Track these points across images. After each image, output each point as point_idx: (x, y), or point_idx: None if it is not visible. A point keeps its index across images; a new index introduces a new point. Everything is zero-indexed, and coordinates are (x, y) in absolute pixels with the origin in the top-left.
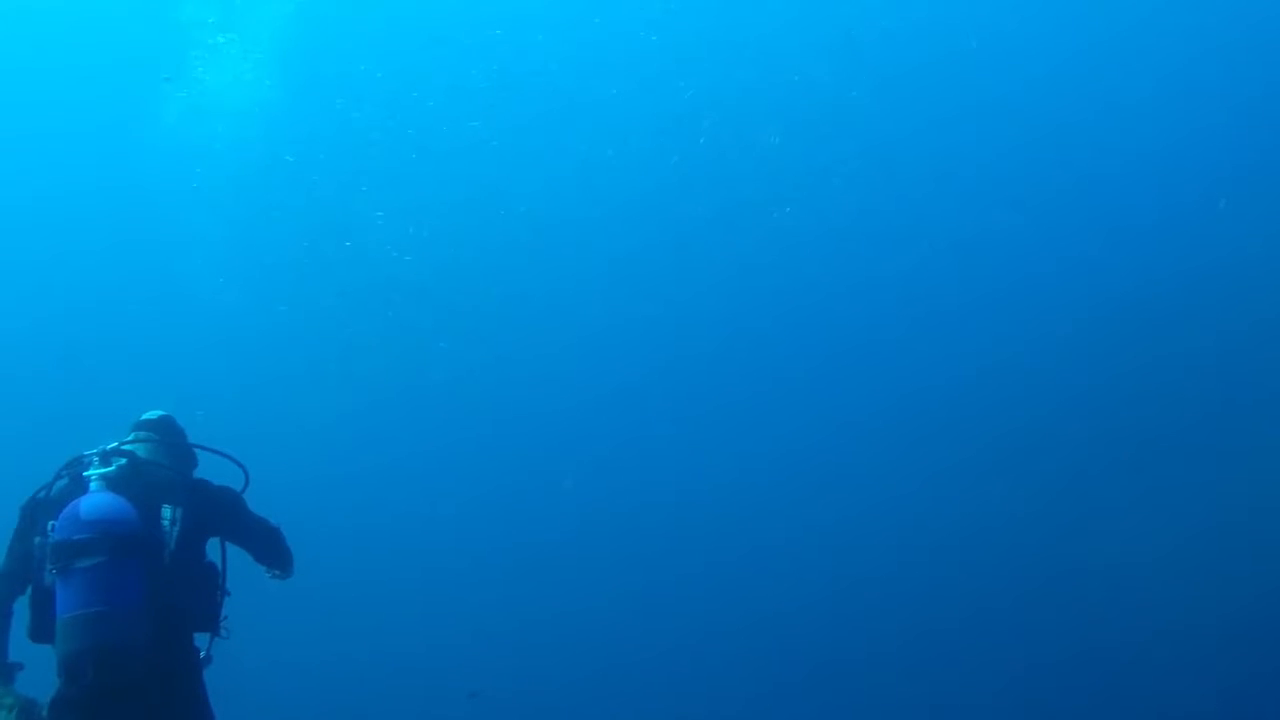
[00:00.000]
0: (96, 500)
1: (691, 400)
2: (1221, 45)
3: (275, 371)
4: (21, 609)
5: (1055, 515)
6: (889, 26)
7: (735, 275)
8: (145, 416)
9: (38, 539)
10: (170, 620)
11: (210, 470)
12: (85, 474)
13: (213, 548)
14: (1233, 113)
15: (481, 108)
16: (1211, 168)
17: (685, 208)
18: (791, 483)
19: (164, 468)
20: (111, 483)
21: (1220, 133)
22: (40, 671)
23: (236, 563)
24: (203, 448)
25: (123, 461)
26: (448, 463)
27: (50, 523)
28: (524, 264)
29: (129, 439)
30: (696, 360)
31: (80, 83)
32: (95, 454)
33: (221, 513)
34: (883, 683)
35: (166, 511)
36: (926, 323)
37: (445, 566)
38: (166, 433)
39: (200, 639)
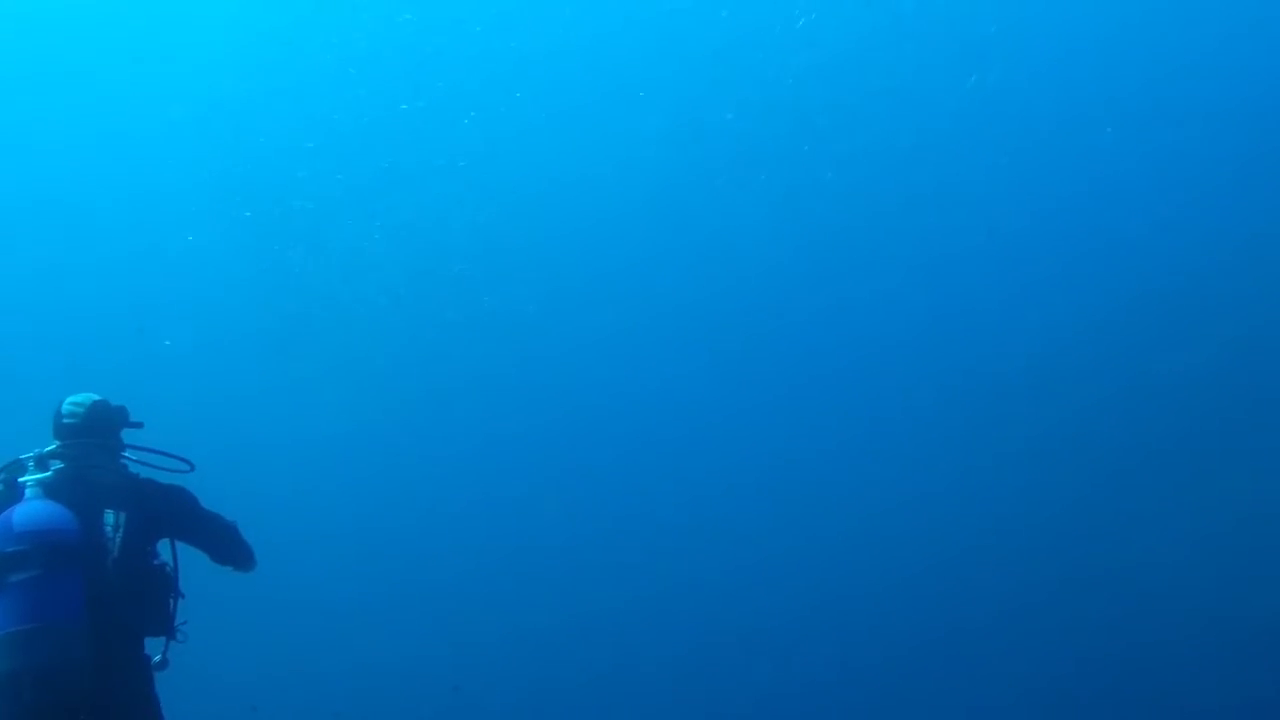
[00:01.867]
0: (31, 509)
1: (693, 405)
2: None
3: (263, 375)
4: None
5: (1087, 516)
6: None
7: (743, 275)
8: (74, 407)
9: None
10: (116, 631)
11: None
12: (20, 480)
13: (166, 549)
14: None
15: (480, 108)
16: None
17: (688, 211)
18: (800, 490)
19: (105, 469)
20: (49, 488)
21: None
22: None
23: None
24: (141, 448)
25: (60, 465)
26: (439, 466)
27: None
28: (519, 270)
29: (67, 442)
30: (700, 365)
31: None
32: (31, 458)
33: (170, 513)
34: (904, 689)
35: (109, 516)
36: (950, 323)
37: (433, 566)
38: (102, 423)
39: (155, 644)
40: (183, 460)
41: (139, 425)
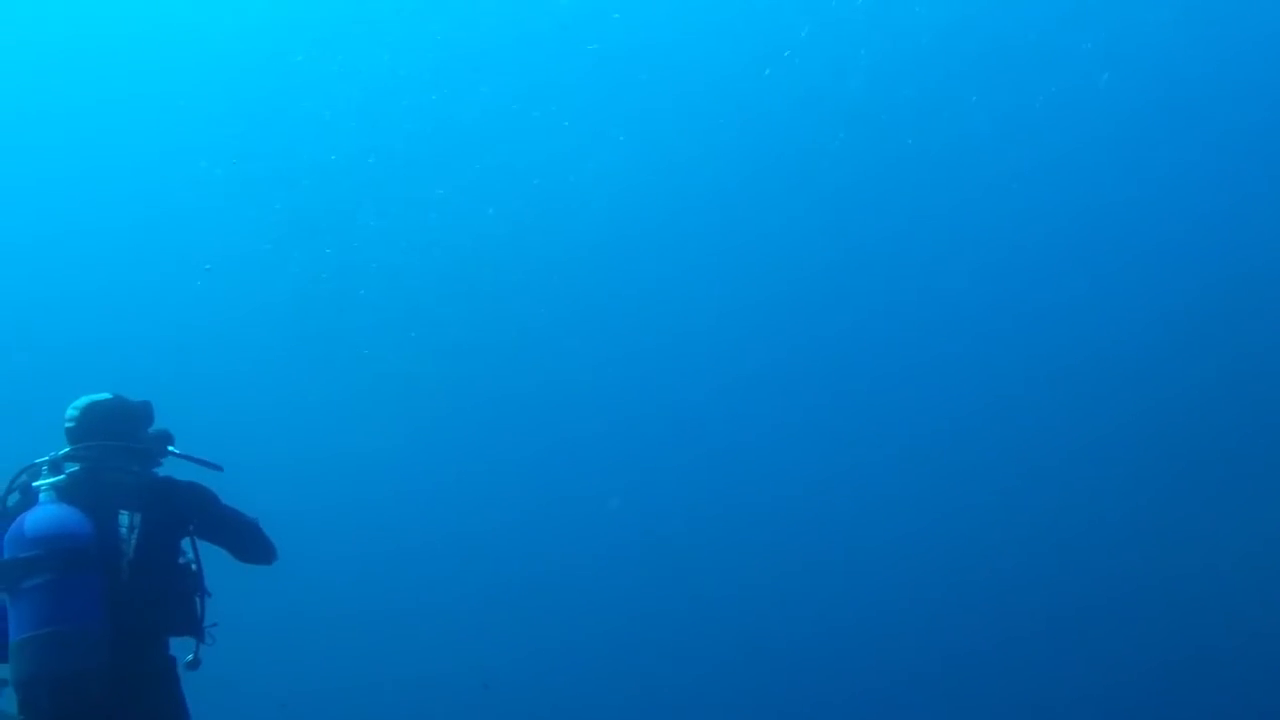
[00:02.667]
0: (43, 514)
1: (746, 418)
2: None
3: (306, 387)
4: None
5: (1132, 526)
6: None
7: (787, 289)
8: (73, 411)
9: None
10: (136, 634)
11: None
12: (35, 484)
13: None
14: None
15: (506, 112)
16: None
17: (739, 219)
18: (847, 504)
19: (121, 470)
20: (62, 492)
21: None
22: None
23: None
24: (173, 454)
25: (74, 468)
26: (469, 467)
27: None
28: (569, 275)
29: (82, 444)
30: (750, 376)
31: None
32: (45, 461)
33: (189, 511)
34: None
35: (124, 517)
36: (994, 329)
37: (463, 562)
38: (111, 424)
39: (186, 644)
40: (209, 464)
41: (147, 423)
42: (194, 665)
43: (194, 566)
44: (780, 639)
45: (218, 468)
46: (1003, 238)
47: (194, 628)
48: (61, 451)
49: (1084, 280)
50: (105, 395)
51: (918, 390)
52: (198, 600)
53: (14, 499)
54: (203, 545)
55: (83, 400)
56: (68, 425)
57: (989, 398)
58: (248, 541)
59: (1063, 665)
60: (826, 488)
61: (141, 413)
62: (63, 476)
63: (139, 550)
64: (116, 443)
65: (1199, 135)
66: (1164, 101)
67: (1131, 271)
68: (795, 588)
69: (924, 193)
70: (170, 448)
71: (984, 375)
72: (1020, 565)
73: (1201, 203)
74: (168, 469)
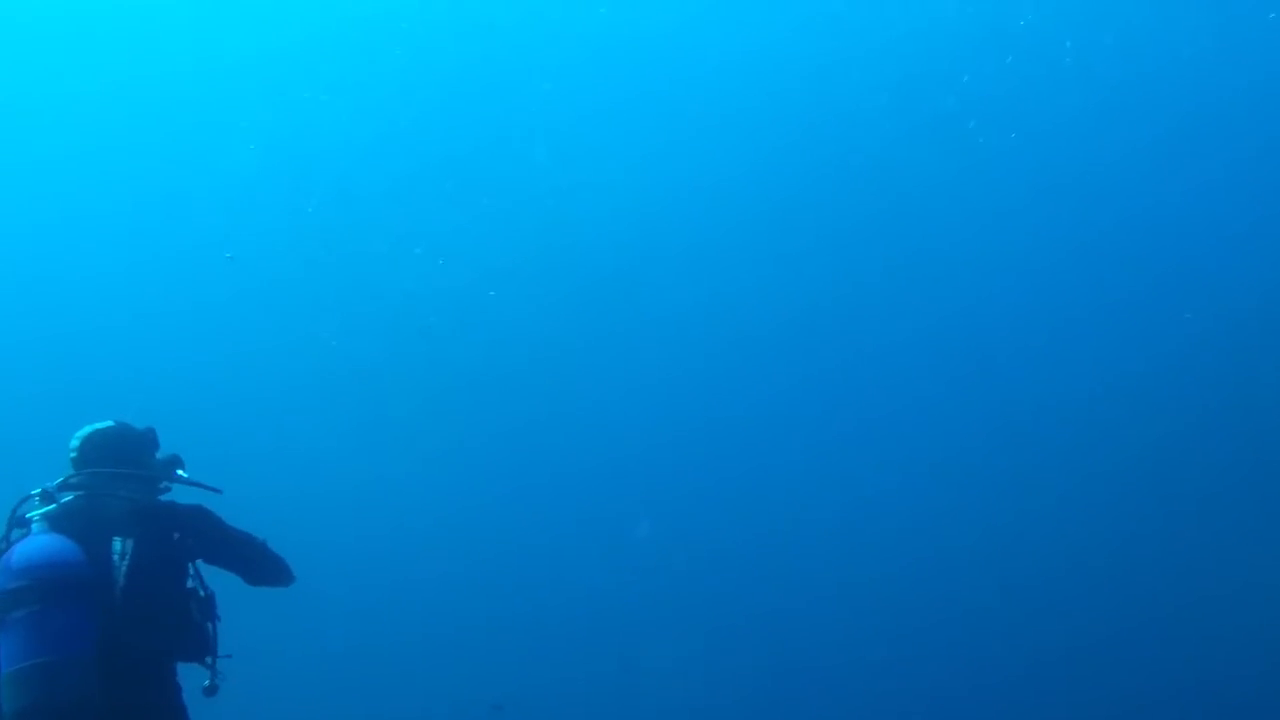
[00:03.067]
0: (32, 544)
1: (779, 441)
2: None
3: (321, 409)
4: None
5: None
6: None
7: (823, 307)
8: (75, 441)
9: None
10: (131, 662)
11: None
12: (28, 515)
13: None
14: None
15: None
16: None
17: (774, 232)
18: (881, 530)
19: (117, 497)
20: (54, 521)
21: None
22: None
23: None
24: (176, 480)
25: (67, 496)
26: (481, 486)
27: None
28: (593, 294)
29: (80, 471)
30: (784, 395)
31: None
32: (37, 493)
33: (190, 536)
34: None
35: (116, 544)
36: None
37: (475, 584)
38: (111, 452)
39: (199, 673)
40: (207, 486)
41: (152, 449)
42: (210, 691)
43: (201, 591)
44: (810, 672)
45: (216, 490)
46: (1034, 249)
47: (200, 655)
48: (56, 481)
49: (1140, 291)
50: (108, 423)
51: (965, 412)
52: (209, 626)
53: (16, 533)
54: (215, 570)
55: (85, 429)
56: (71, 455)
57: (1034, 413)
58: (255, 563)
59: (1088, 684)
60: (867, 512)
61: (146, 439)
62: (54, 506)
63: (131, 577)
64: (117, 469)
65: (1246, 145)
66: (1203, 111)
67: (1186, 279)
68: (828, 617)
69: (952, 207)
70: (179, 472)
71: (1026, 391)
72: (1059, 585)
73: (1252, 214)
74: (175, 495)
